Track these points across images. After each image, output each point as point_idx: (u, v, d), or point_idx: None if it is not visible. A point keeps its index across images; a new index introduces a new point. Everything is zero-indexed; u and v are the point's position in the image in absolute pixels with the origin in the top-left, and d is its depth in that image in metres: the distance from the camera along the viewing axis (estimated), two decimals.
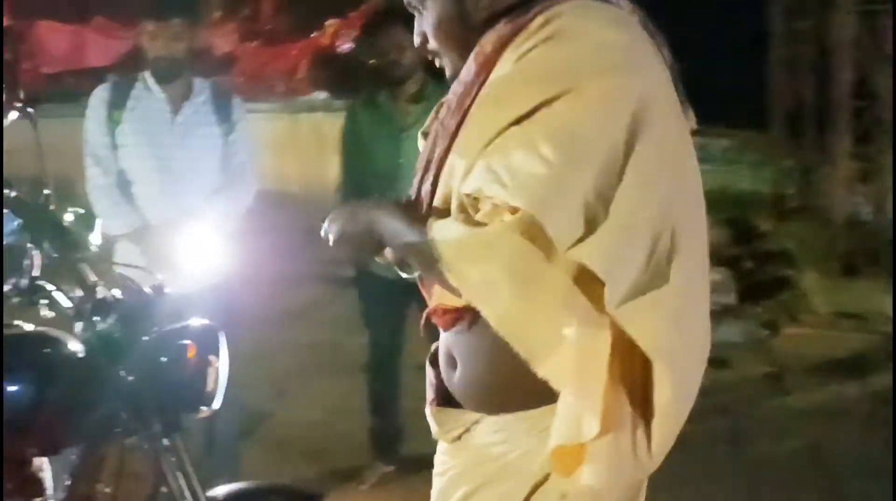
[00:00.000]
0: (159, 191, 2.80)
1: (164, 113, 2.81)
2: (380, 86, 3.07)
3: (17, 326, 1.89)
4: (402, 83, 2.98)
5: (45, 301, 1.80)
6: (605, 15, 1.11)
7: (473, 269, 1.05)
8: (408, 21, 2.91)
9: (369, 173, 3.03)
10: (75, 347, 1.81)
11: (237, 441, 3.14)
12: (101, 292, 1.80)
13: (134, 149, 2.79)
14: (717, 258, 4.69)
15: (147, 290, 1.83)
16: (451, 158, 1.14)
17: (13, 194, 1.78)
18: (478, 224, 1.06)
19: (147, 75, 2.82)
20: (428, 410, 1.33)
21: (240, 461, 3.05)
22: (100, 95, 2.83)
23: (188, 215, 2.74)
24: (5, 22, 10.82)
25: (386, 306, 3.08)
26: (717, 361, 3.32)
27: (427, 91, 2.98)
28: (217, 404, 1.83)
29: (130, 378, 1.76)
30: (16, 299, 1.79)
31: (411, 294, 3.01)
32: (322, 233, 1.22)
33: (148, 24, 2.71)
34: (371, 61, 3.02)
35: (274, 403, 4.10)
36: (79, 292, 1.79)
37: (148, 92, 2.82)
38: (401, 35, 2.77)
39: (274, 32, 9.21)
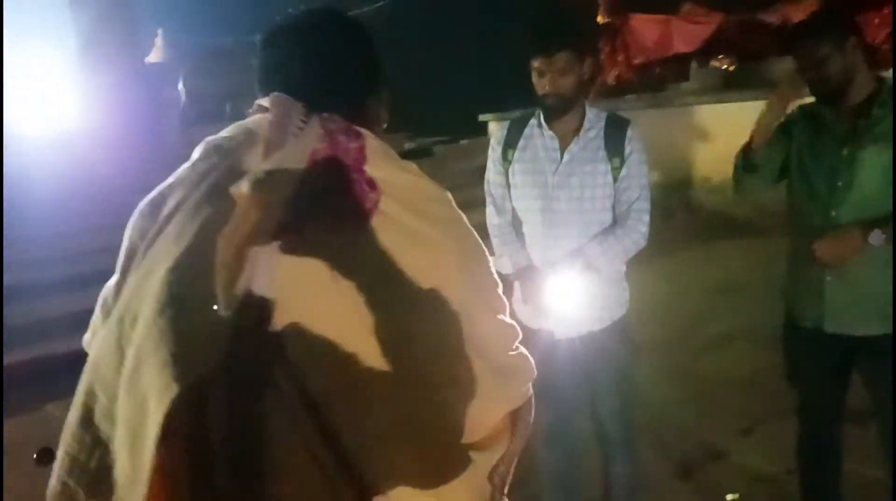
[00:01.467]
0: (543, 233, 2.70)
1: (551, 151, 2.70)
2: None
3: None
4: (840, 95, 2.46)
5: None
6: None
7: None
8: (827, 29, 2.31)
9: (804, 193, 2.57)
10: None
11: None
12: None
13: (522, 189, 2.74)
14: None
15: None
16: None
17: None
18: None
19: (539, 112, 2.74)
20: None
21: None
22: (498, 135, 2.83)
23: (572, 257, 2.63)
24: (601, 19, 11.76)
25: (814, 360, 2.64)
26: None
27: (879, 102, 2.43)
28: None
29: None
30: None
31: (846, 351, 2.52)
32: None
33: (534, 61, 2.57)
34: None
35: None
36: None
37: (539, 129, 2.74)
38: (823, 46, 2.39)
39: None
